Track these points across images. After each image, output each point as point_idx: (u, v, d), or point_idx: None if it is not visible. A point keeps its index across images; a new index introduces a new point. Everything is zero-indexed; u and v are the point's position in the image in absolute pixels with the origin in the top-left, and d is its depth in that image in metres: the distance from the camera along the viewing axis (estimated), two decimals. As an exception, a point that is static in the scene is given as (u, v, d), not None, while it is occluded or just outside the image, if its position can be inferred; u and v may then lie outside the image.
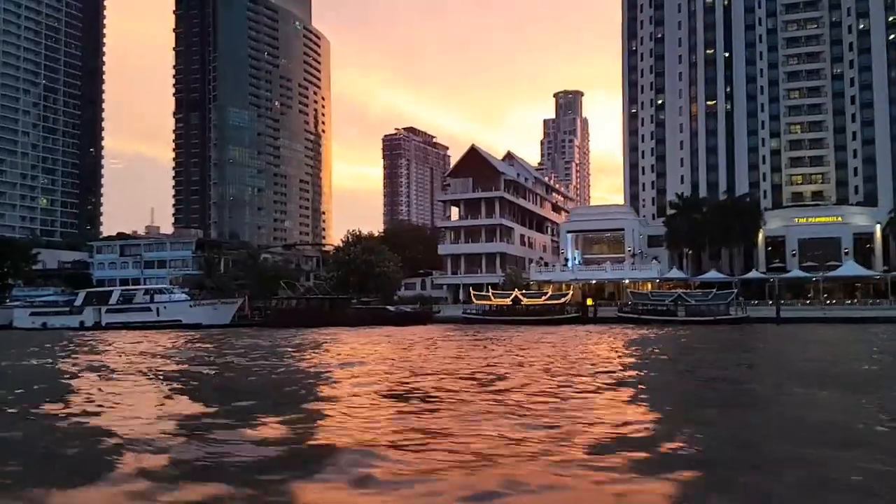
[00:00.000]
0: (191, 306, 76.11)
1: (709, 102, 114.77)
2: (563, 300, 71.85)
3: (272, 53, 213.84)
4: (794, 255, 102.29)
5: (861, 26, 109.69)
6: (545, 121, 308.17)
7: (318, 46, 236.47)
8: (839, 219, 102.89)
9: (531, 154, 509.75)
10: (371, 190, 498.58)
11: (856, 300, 78.55)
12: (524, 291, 74.08)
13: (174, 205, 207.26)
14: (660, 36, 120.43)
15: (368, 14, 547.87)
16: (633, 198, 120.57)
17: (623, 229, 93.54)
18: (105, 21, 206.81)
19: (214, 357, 31.41)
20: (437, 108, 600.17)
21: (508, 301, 72.43)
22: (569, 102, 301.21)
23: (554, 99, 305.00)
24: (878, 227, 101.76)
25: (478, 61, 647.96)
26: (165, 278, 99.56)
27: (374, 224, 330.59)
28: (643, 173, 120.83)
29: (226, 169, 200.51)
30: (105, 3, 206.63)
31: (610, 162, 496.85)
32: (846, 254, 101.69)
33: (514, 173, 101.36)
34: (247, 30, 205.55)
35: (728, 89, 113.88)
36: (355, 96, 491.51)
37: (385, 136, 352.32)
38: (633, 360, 28.50)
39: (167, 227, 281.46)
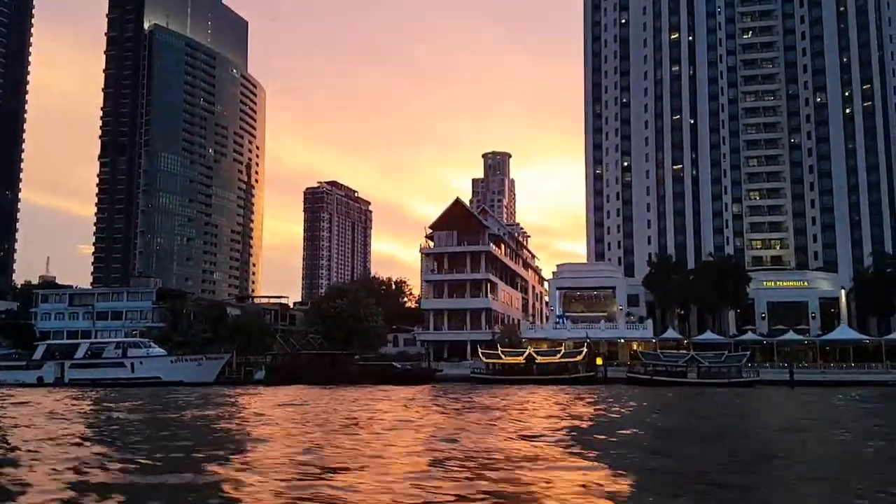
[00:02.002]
0: (172, 362, 69.44)
1: (675, 167, 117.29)
2: (577, 358, 69.36)
3: (208, 100, 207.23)
4: (763, 317, 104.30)
5: (818, 100, 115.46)
6: (474, 180, 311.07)
7: (255, 95, 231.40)
8: (805, 283, 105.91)
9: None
10: (296, 246, 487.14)
11: (851, 363, 79.24)
12: (537, 350, 71.21)
13: (94, 253, 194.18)
14: (625, 101, 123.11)
15: (301, 66, 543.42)
16: (598, 256, 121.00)
17: (614, 287, 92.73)
18: (30, 61, 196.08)
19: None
20: (361, 165, 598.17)
21: (521, 360, 69.37)
22: (497, 163, 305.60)
23: (483, 159, 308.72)
24: (842, 293, 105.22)
25: (409, 122, 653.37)
26: (121, 331, 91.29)
27: (296, 280, 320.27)
28: (608, 233, 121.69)
29: (154, 217, 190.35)
30: (31, 40, 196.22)
31: (536, 224, 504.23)
32: (813, 317, 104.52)
33: (495, 227, 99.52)
34: (183, 74, 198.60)
35: (693, 155, 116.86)
36: (286, 148, 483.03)
37: (307, 188, 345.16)
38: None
39: (74, 278, 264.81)
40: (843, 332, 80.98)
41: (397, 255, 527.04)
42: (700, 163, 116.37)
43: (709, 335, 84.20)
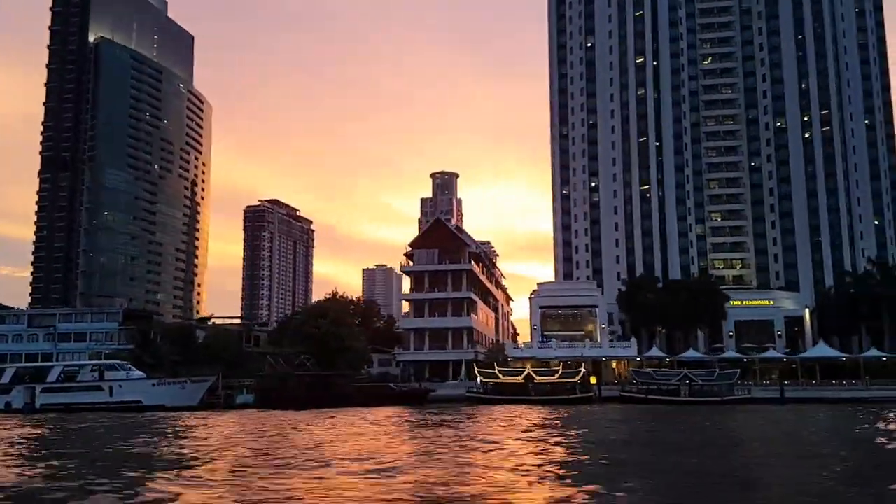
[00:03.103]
0: (154, 385, 66.02)
1: (642, 187, 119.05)
2: (577, 378, 68.92)
3: (154, 114, 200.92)
4: (731, 336, 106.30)
5: (778, 124, 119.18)
6: (422, 199, 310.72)
7: (201, 110, 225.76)
8: (771, 302, 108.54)
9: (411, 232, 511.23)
10: (236, 267, 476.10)
11: (831, 381, 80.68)
12: (534, 368, 70.44)
13: (33, 272, 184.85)
14: (592, 122, 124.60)
15: (247, 85, 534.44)
16: (566, 275, 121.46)
17: (597, 306, 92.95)
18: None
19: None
20: (300, 186, 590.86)
21: (520, 379, 68.51)
22: (445, 183, 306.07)
23: (431, 179, 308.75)
24: (806, 312, 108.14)
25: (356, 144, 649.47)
26: (85, 353, 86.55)
27: (237, 301, 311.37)
28: (577, 252, 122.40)
29: (98, 235, 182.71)
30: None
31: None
32: (779, 336, 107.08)
33: (473, 246, 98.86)
34: (129, 88, 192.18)
35: (659, 176, 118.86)
36: (227, 166, 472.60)
37: (247, 207, 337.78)
38: None
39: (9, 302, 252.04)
40: (822, 350, 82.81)
41: (337, 276, 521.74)
42: (666, 184, 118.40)
43: (692, 353, 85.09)
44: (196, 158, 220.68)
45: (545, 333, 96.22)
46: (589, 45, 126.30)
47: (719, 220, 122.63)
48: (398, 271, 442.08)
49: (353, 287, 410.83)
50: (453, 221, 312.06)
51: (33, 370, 69.84)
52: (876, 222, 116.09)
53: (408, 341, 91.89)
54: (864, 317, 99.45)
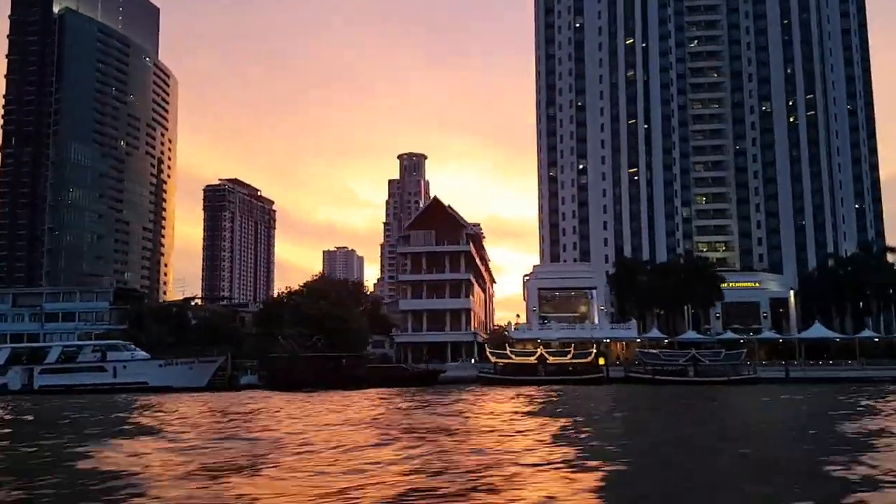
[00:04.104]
0: (160, 365, 64.23)
1: (631, 170, 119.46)
2: (589, 359, 68.94)
3: (120, 88, 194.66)
4: (718, 317, 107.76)
5: (763, 108, 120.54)
6: (390, 181, 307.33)
7: (167, 85, 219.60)
8: (757, 284, 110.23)
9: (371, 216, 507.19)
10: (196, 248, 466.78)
11: (829, 361, 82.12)
12: (547, 350, 70.18)
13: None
14: (580, 104, 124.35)
15: (210, 62, 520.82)
16: (553, 257, 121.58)
17: (595, 288, 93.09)
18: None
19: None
20: (261, 167, 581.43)
21: (533, 360, 68.27)
22: (413, 164, 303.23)
23: (399, 160, 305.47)
24: (791, 293, 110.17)
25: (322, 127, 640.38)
26: (74, 333, 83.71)
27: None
28: (564, 234, 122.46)
29: (64, 213, 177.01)
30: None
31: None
32: (765, 317, 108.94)
33: (470, 228, 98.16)
34: (95, 61, 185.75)
35: (648, 158, 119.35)
36: (189, 145, 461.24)
37: (207, 186, 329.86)
38: None
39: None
40: (818, 330, 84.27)
41: (297, 259, 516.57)
42: (654, 166, 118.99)
43: (690, 334, 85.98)
44: (162, 135, 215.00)
45: (541, 315, 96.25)
46: (577, 24, 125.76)
47: (704, 203, 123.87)
48: (359, 254, 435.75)
49: (314, 271, 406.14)
50: (421, 204, 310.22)
51: (30, 350, 67.35)
52: (857, 206, 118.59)
53: (405, 323, 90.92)
54: (849, 299, 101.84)
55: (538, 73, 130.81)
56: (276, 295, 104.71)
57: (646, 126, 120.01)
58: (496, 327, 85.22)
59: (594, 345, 71.55)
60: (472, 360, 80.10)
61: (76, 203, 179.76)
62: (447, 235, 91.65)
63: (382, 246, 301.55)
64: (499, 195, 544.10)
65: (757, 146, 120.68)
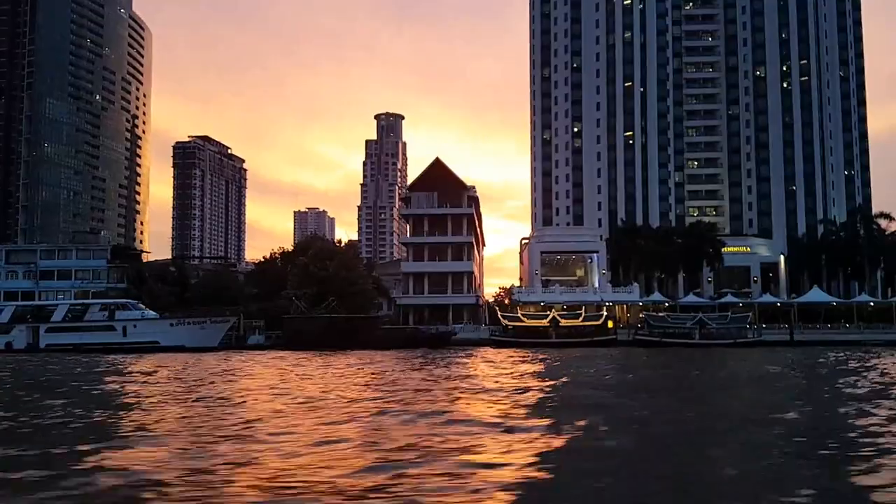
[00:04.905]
0: (171, 325, 63.28)
1: (626, 133, 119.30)
2: (601, 321, 69.40)
3: (95, 41, 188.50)
4: (709, 281, 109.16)
5: (757, 73, 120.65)
6: (367, 141, 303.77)
7: (142, 38, 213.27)
8: (748, 249, 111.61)
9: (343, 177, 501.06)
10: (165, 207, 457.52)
11: (827, 325, 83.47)
12: (560, 312, 70.45)
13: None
14: (576, 66, 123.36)
15: (182, 16, 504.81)
16: (545, 221, 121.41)
17: (597, 251, 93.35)
18: None
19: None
20: (235, 124, 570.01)
21: (546, 322, 68.52)
22: (390, 125, 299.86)
23: (375, 121, 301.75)
24: (781, 258, 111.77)
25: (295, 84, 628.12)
26: (70, 291, 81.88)
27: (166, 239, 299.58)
28: (557, 198, 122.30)
29: (39, 168, 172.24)
30: None
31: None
32: (755, 281, 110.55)
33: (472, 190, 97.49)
34: (69, 12, 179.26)
35: (643, 122, 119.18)
36: (166, 102, 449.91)
37: (177, 143, 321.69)
38: None
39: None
40: (816, 294, 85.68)
41: (267, 219, 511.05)
42: (649, 130, 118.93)
43: (692, 297, 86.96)
44: (137, 90, 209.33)
45: (543, 278, 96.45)
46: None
47: (695, 167, 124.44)
48: (330, 215, 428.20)
49: (285, 231, 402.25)
50: (398, 165, 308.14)
51: (34, 308, 65.82)
52: (846, 172, 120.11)
53: (407, 285, 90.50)
54: (840, 264, 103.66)
55: (532, 31, 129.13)
56: (268, 256, 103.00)
57: (641, 89, 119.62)
58: (501, 290, 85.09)
59: (604, 307, 71.90)
60: (483, 324, 79.92)
61: (52, 159, 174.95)
62: (449, 197, 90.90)
63: (360, 207, 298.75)
64: (476, 160, 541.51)
65: (750, 111, 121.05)
